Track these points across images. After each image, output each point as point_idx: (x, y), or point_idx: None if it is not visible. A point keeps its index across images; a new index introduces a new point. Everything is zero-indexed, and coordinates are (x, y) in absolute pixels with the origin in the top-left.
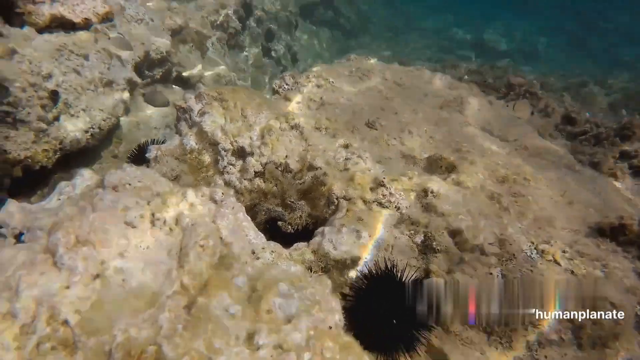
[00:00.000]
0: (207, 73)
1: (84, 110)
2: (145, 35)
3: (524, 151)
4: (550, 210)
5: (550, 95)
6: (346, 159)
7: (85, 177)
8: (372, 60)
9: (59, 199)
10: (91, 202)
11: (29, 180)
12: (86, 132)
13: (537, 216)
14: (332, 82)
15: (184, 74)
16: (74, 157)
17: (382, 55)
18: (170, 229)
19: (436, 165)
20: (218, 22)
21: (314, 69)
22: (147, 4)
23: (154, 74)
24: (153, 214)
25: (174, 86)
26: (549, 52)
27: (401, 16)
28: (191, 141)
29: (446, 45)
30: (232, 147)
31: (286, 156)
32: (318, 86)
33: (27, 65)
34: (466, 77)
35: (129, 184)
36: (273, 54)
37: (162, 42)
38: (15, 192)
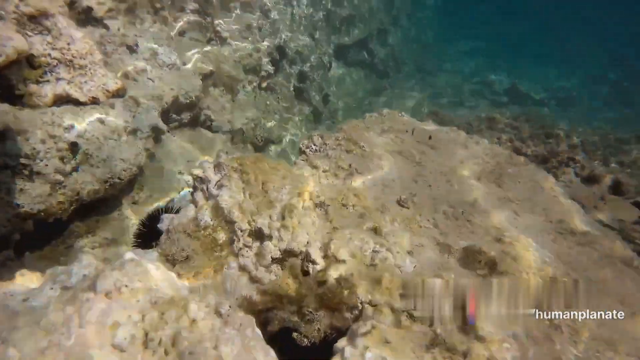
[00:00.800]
0: (237, 117)
1: (104, 160)
2: (175, 80)
3: (570, 237)
4: (611, 327)
5: (593, 159)
6: (374, 251)
7: (83, 263)
8: (405, 117)
9: (52, 289)
10: (79, 310)
11: (42, 231)
12: (105, 182)
13: (594, 335)
14: (363, 146)
15: (213, 117)
16: (92, 205)
17: (413, 95)
18: (166, 352)
19: (474, 260)
20: (251, 66)
21: (344, 127)
22: (179, 46)
23: (182, 118)
24: (147, 334)
25: (202, 129)
26: (585, 101)
27: (434, 58)
28: (206, 216)
29: (478, 89)
30: (249, 228)
31: (307, 242)
32: (347, 151)
33: (50, 116)
34: (503, 136)
35: (126, 286)
36: (305, 95)
37: (192, 87)
38: (26, 244)
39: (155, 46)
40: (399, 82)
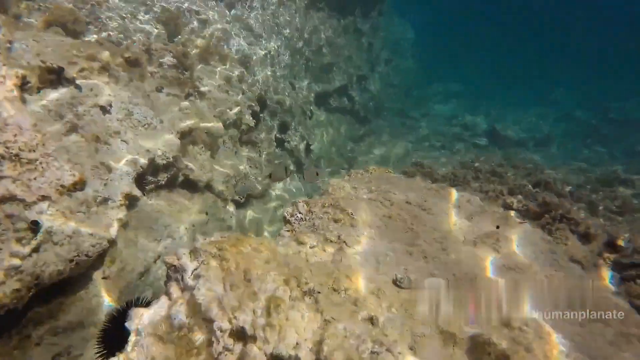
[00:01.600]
0: (217, 175)
1: (69, 237)
2: (151, 140)
3: (581, 311)
4: None
5: (580, 207)
6: (372, 352)
7: None
8: (392, 174)
9: None
10: None
11: None
12: (71, 261)
13: None
14: (352, 214)
15: (192, 177)
16: (55, 286)
17: (395, 141)
18: None
19: (483, 352)
20: (231, 120)
21: (330, 188)
22: (156, 103)
23: (159, 179)
24: None
25: (180, 190)
26: (563, 141)
27: (413, 102)
28: (180, 314)
29: (459, 132)
30: (230, 327)
31: (297, 343)
32: (335, 220)
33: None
34: (491, 187)
35: None
36: (287, 145)
37: (170, 147)
38: None
39: (130, 105)
40: (380, 127)
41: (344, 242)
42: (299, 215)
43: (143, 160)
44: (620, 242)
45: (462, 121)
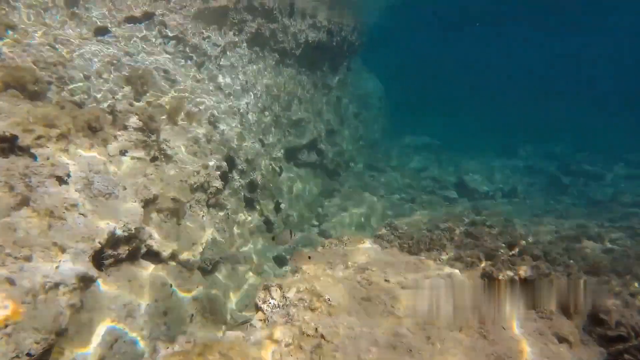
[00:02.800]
0: (183, 243)
1: (9, 335)
2: (112, 211)
3: None
4: None
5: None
6: None
7: None
8: (367, 244)
9: None
10: None
11: None
12: None
13: None
14: (329, 299)
15: (155, 247)
16: None
17: (365, 197)
18: None
19: None
20: (199, 184)
21: (304, 266)
22: (119, 169)
23: (119, 253)
24: None
25: (142, 262)
26: (528, 192)
27: (382, 155)
28: None
29: (429, 185)
30: None
31: None
32: (312, 309)
33: None
34: (469, 254)
35: None
36: (256, 205)
37: (132, 217)
38: None
39: (91, 174)
40: (350, 181)
41: (322, 335)
42: (271, 302)
43: (102, 236)
44: (605, 317)
45: (431, 174)
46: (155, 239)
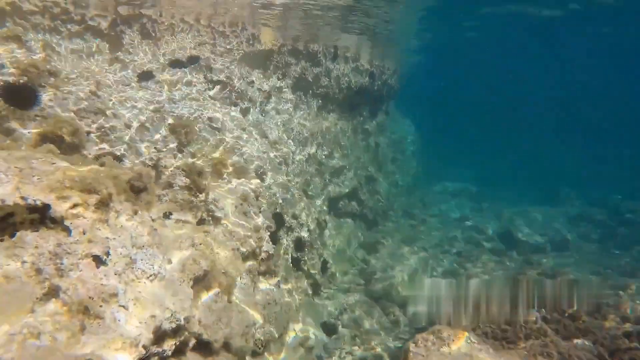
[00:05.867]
0: (235, 327)
1: None
2: (158, 298)
3: None
4: None
5: None
6: None
7: None
8: (468, 339)
9: None
10: None
11: None
12: None
13: None
14: None
15: (205, 337)
16: None
17: (408, 252)
18: None
19: None
20: (250, 250)
21: None
22: (163, 236)
23: (164, 350)
24: None
25: (190, 355)
26: (579, 244)
27: (419, 203)
28: None
29: (472, 236)
30: None
31: None
32: None
33: None
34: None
35: None
36: (302, 265)
37: (181, 304)
38: None
39: (134, 250)
40: (389, 231)
41: None
42: None
43: (147, 335)
44: None
45: (472, 223)
46: (206, 325)
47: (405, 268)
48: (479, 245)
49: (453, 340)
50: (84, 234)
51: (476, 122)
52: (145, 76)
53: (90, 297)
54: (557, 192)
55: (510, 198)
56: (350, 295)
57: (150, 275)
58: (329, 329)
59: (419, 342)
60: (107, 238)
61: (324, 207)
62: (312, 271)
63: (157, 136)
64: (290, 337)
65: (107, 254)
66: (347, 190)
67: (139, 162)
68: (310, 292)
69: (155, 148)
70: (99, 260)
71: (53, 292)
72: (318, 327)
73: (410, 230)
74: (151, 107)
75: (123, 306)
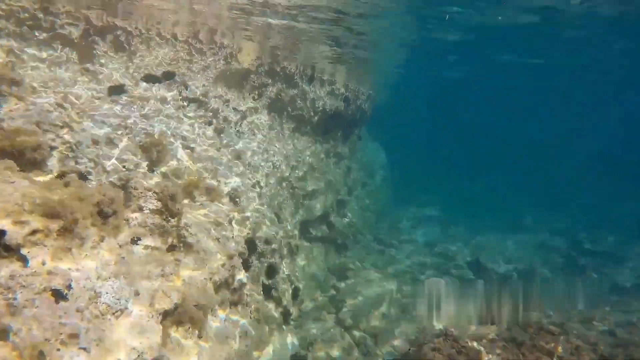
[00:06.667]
0: None
1: None
2: (123, 337)
3: None
4: None
5: None
6: None
7: None
8: None
9: None
10: None
11: None
12: None
13: None
14: None
15: None
16: None
17: (377, 278)
18: None
19: None
20: (222, 280)
21: None
22: (130, 264)
23: None
24: None
25: None
26: (544, 273)
27: (389, 228)
28: None
29: (442, 262)
30: None
31: None
32: None
33: None
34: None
35: None
36: (274, 293)
37: (148, 343)
38: None
39: (99, 282)
40: (359, 256)
41: None
42: None
43: None
44: None
45: (441, 250)
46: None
47: (375, 296)
48: (447, 273)
49: None
50: (44, 264)
51: (446, 149)
52: (117, 90)
53: (46, 339)
54: (521, 220)
55: (478, 225)
56: (320, 324)
57: (117, 311)
58: None
59: None
60: (70, 269)
61: (296, 232)
62: (283, 299)
63: (127, 154)
64: None
65: (69, 287)
66: (318, 214)
67: (107, 181)
68: (281, 321)
69: (124, 166)
70: (59, 295)
71: (2, 334)
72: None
73: (380, 255)
74: (122, 123)
75: (84, 349)
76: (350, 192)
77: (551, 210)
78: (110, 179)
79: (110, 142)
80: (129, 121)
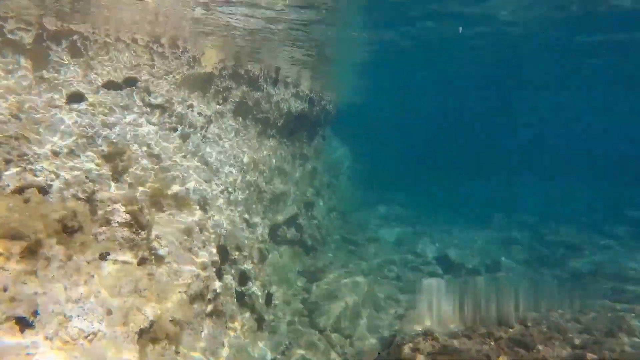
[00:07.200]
0: None
1: None
2: (98, 358)
3: None
4: None
5: None
6: None
7: None
8: None
9: None
10: None
11: None
12: None
13: None
14: None
15: None
16: None
17: (349, 280)
18: None
19: None
20: (197, 292)
21: None
22: (100, 282)
23: None
24: None
25: None
26: (510, 265)
27: (356, 227)
28: None
29: (411, 260)
30: None
31: None
32: None
33: None
34: None
35: None
36: (247, 299)
37: None
38: None
39: (68, 306)
40: (329, 258)
41: None
42: None
43: None
44: None
45: (410, 248)
46: None
47: (346, 296)
48: (417, 270)
49: None
50: (5, 290)
51: (411, 148)
52: (76, 98)
53: None
54: (487, 216)
55: (446, 222)
56: (295, 328)
57: (89, 335)
58: None
59: None
60: (36, 293)
61: (266, 236)
62: (257, 305)
63: (90, 165)
64: None
65: (35, 313)
66: (287, 217)
67: (70, 195)
68: (255, 327)
69: (87, 178)
70: (24, 323)
71: None
72: None
73: (349, 255)
74: (82, 132)
75: None
76: (317, 193)
77: (512, 205)
78: (73, 192)
79: (71, 153)
80: (91, 130)
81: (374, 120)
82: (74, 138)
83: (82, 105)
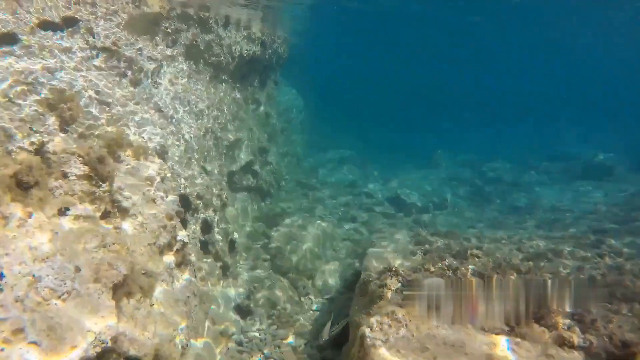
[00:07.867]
0: (161, 332)
1: None
2: (75, 320)
3: None
4: None
5: None
6: None
7: None
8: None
9: None
10: None
11: None
12: None
13: None
14: None
15: (132, 352)
16: None
17: (308, 222)
18: None
19: None
20: (166, 241)
21: None
22: (62, 238)
23: None
24: None
25: None
26: (456, 202)
27: (309, 171)
28: None
29: (364, 201)
30: None
31: None
32: None
33: None
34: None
35: None
36: (211, 247)
37: (105, 323)
38: None
39: (36, 266)
40: (285, 202)
41: None
42: None
43: None
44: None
45: (362, 189)
46: (132, 339)
47: (306, 238)
48: (370, 210)
49: (410, 321)
50: None
51: (360, 92)
52: (6, 39)
53: None
54: (432, 157)
55: (395, 164)
56: (257, 273)
57: (63, 294)
58: (243, 311)
59: (374, 325)
60: None
61: (224, 183)
62: (221, 253)
63: (32, 114)
64: (208, 327)
65: (1, 276)
66: (243, 164)
67: (16, 148)
68: (221, 275)
69: (31, 128)
70: None
71: None
72: (232, 311)
73: (304, 199)
74: (20, 79)
75: (34, 342)
76: (271, 138)
77: (455, 145)
78: (20, 145)
79: (10, 102)
80: (30, 76)
81: (325, 66)
82: (10, 85)
83: (16, 49)
